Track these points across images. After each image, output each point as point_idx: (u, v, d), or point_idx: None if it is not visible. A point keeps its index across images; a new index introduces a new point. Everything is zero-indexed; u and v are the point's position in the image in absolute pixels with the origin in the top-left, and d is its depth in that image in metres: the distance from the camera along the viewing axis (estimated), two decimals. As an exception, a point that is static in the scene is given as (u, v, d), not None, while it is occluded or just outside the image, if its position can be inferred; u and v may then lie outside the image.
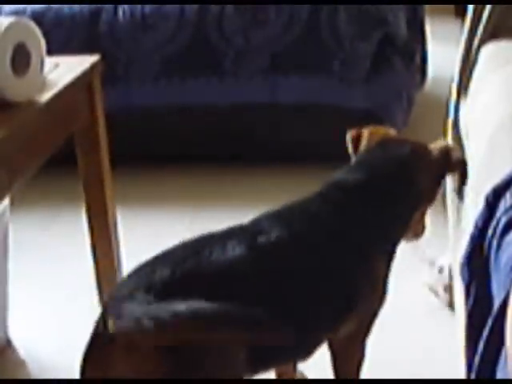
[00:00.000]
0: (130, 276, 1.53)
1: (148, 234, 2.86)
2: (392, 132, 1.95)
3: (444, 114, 2.37)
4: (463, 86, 2.22)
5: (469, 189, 1.84)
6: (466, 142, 2.07)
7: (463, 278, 1.52)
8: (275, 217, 1.67)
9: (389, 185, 1.78)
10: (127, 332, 1.38)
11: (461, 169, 1.88)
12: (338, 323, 1.69)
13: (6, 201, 2.21)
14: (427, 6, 3.96)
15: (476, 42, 2.24)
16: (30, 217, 3.01)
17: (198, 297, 1.42)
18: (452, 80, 2.32)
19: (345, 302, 1.68)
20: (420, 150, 1.83)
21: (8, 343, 2.32)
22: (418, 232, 1.91)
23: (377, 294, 1.75)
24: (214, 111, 3.21)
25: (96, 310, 2.40)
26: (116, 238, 2.32)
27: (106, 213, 2.25)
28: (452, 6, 5.16)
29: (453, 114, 2.26)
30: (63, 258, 2.77)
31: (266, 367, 1.64)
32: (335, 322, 1.69)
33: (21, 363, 2.28)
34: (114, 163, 2.30)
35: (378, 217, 1.74)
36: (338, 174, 1.81)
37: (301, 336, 1.60)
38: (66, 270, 2.69)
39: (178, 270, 1.48)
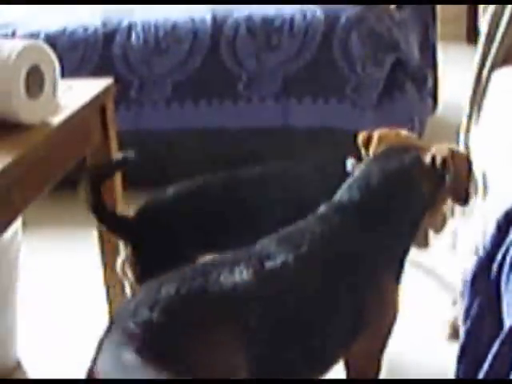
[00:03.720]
0: (137, 293, 1.54)
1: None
2: (404, 134, 1.91)
3: (455, 139, 2.37)
4: (475, 112, 2.23)
5: (480, 209, 1.84)
6: (476, 165, 2.07)
7: (465, 298, 1.52)
8: (281, 241, 1.66)
9: (389, 200, 1.75)
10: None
11: (466, 170, 1.80)
12: (348, 342, 1.68)
13: (19, 222, 2.22)
14: (439, 31, 3.98)
15: (487, 67, 2.25)
16: (42, 238, 3.02)
17: (200, 318, 1.44)
18: (463, 105, 2.32)
19: (355, 321, 1.67)
20: (422, 155, 1.77)
21: (18, 364, 2.31)
22: (435, 230, 1.90)
23: (388, 310, 1.73)
24: (227, 135, 3.22)
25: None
26: (127, 259, 2.32)
27: (117, 235, 2.26)
28: (464, 32, 5.19)
29: (463, 138, 2.26)
30: (74, 279, 2.77)
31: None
32: (346, 342, 1.68)
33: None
34: (126, 185, 2.31)
35: (381, 234, 1.72)
36: (337, 195, 1.79)
37: (311, 358, 1.60)
38: (77, 291, 2.69)
39: (183, 290, 1.48)
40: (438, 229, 1.88)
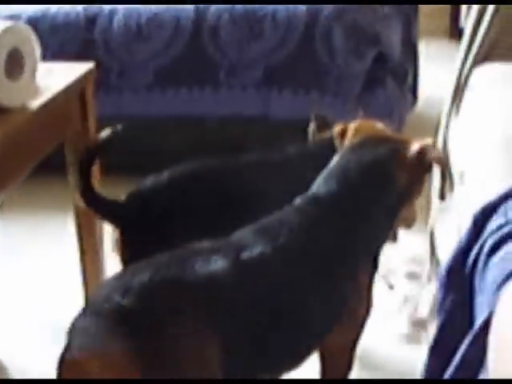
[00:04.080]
0: (111, 280, 1.53)
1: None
2: (380, 126, 1.92)
3: (434, 134, 2.38)
4: (455, 108, 2.24)
5: (457, 204, 1.85)
6: (454, 161, 2.08)
7: (439, 292, 1.53)
8: (258, 232, 1.66)
9: (364, 191, 1.74)
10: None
11: (441, 168, 1.83)
12: (323, 334, 1.69)
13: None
14: (422, 26, 3.99)
15: (469, 63, 2.26)
16: (19, 222, 3.00)
17: (172, 305, 1.44)
18: (443, 100, 2.33)
19: (330, 312, 1.68)
20: (399, 147, 1.77)
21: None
22: (405, 225, 1.88)
23: (363, 302, 1.74)
24: (207, 122, 3.21)
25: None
26: (102, 244, 2.32)
27: (93, 219, 2.25)
28: (447, 28, 5.21)
29: (442, 134, 2.27)
30: (51, 264, 2.76)
31: (252, 374, 1.61)
32: (321, 333, 1.69)
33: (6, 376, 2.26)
34: (103, 171, 2.30)
35: (356, 226, 1.72)
36: (314, 186, 1.78)
37: (285, 349, 1.61)
38: (53, 276, 2.68)
39: (157, 277, 1.48)
40: (409, 224, 1.89)
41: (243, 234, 1.66)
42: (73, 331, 1.44)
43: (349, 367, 1.79)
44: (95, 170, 2.26)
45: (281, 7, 3.18)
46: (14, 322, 2.47)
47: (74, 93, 2.11)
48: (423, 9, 4.06)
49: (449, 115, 2.26)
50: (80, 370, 1.39)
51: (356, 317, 1.73)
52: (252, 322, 1.55)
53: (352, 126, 1.91)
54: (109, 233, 2.03)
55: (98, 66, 2.25)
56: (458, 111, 2.22)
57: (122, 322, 1.39)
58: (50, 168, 2.39)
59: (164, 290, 1.46)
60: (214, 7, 3.19)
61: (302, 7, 3.17)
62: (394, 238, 1.92)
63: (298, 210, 1.73)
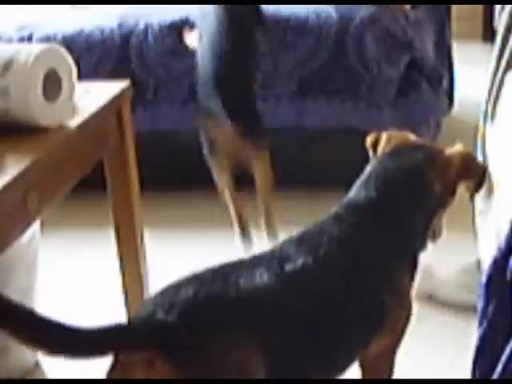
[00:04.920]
0: (155, 295, 1.53)
1: (176, 256, 2.87)
2: (412, 137, 1.92)
3: (471, 138, 2.37)
4: (490, 112, 2.22)
5: (494, 210, 1.84)
6: (492, 166, 2.07)
7: (481, 300, 1.52)
8: (299, 242, 1.67)
9: (402, 197, 1.75)
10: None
11: (480, 176, 1.84)
12: (367, 341, 1.69)
13: (37, 224, 2.25)
14: (455, 29, 3.98)
15: (502, 67, 2.24)
16: (60, 240, 3.04)
17: (219, 321, 1.44)
18: (480, 104, 2.32)
19: (373, 320, 1.68)
20: (435, 156, 1.80)
21: (37, 365, 2.34)
22: (435, 236, 1.89)
23: (403, 308, 1.74)
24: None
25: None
26: (144, 260, 2.33)
27: (134, 235, 2.27)
28: (480, 31, 5.17)
29: (480, 144, 2.25)
30: (92, 281, 2.79)
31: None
32: (365, 341, 1.69)
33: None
34: (142, 186, 2.33)
35: (396, 232, 1.73)
36: (352, 193, 1.80)
37: (330, 359, 1.62)
38: (94, 292, 2.71)
39: (202, 292, 1.47)
40: (437, 235, 1.90)
41: (285, 244, 1.66)
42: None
43: (389, 374, 1.80)
44: (134, 184, 2.28)
45: (312, 16, 3.18)
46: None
47: (111, 111, 2.14)
48: (455, 11, 4.04)
49: (485, 121, 2.24)
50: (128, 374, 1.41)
51: (397, 325, 1.73)
52: (294, 335, 1.55)
53: (384, 136, 1.92)
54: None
55: (134, 82, 2.27)
56: (493, 116, 2.20)
57: (165, 339, 1.40)
58: (89, 185, 2.42)
59: (208, 306, 1.46)
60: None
61: (333, 16, 3.18)
62: (439, 235, 1.92)
63: (337, 217, 1.74)
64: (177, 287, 1.49)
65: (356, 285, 1.65)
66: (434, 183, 1.77)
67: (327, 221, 1.73)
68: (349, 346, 1.66)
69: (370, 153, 1.94)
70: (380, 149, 1.90)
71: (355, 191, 1.79)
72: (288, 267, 1.58)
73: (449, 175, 1.78)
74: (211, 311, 1.46)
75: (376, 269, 1.69)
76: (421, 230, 1.79)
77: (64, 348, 1.39)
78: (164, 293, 1.50)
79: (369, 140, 1.95)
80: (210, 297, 1.47)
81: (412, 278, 1.77)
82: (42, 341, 1.37)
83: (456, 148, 1.82)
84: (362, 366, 1.79)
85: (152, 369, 1.39)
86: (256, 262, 1.60)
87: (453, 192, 1.81)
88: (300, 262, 1.60)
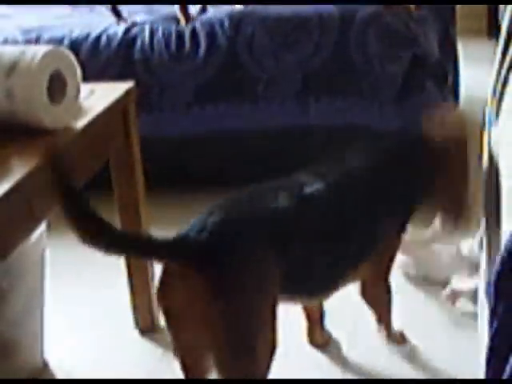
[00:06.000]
0: (193, 221, 1.73)
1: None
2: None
3: (476, 134, 2.37)
4: (494, 110, 2.22)
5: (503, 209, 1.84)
6: (498, 164, 2.07)
7: (489, 300, 1.52)
8: (316, 174, 1.94)
9: (413, 157, 2.06)
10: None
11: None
12: (356, 263, 1.98)
13: (43, 226, 2.26)
14: (459, 26, 3.97)
15: (506, 65, 2.24)
16: (67, 241, 3.04)
17: (244, 239, 1.67)
18: (485, 101, 2.31)
19: (364, 246, 1.97)
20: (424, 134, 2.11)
21: (45, 366, 2.35)
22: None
23: (391, 244, 2.08)
24: (247, 136, 3.23)
25: (132, 332, 2.44)
26: (152, 263, 2.34)
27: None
28: (484, 27, 5.17)
29: (487, 137, 2.24)
30: (99, 281, 2.80)
31: (293, 295, 1.91)
32: (355, 262, 1.97)
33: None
34: (148, 188, 2.33)
35: (405, 178, 2.02)
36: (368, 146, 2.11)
37: (329, 270, 1.90)
38: (101, 292, 2.72)
39: (232, 214, 1.72)
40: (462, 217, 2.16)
41: (302, 175, 1.94)
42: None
43: (388, 300, 2.17)
44: (140, 185, 2.29)
45: (313, 14, 3.19)
46: (64, 334, 2.52)
47: (117, 111, 2.15)
48: (460, 8, 4.03)
49: (489, 119, 2.23)
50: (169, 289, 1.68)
51: (388, 249, 2.07)
52: (308, 247, 1.81)
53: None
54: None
55: (138, 85, 2.28)
56: (497, 115, 2.19)
57: (196, 254, 1.63)
58: (95, 185, 2.42)
59: (235, 226, 1.69)
60: (247, 20, 3.21)
61: (335, 13, 3.18)
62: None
63: (353, 156, 2.06)
64: (209, 212, 1.72)
65: (359, 212, 1.94)
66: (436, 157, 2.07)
67: (347, 157, 2.05)
68: (347, 259, 1.95)
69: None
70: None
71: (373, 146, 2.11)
72: (305, 191, 1.85)
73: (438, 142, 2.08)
74: (237, 231, 1.69)
75: (378, 206, 1.97)
76: (423, 186, 2.08)
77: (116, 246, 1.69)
78: (198, 218, 1.72)
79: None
80: (236, 218, 1.72)
81: (403, 225, 2.08)
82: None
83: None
84: (365, 300, 2.16)
85: (186, 279, 1.62)
86: (279, 187, 1.86)
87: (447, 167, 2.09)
88: (315, 188, 1.87)
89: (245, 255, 1.66)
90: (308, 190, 1.86)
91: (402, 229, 2.09)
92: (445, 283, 2.52)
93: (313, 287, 1.93)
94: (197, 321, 1.64)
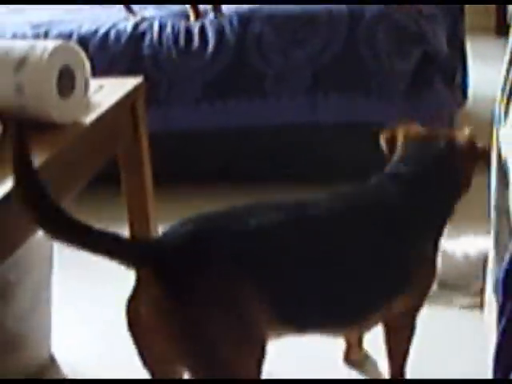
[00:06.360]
0: (170, 226, 1.64)
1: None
2: (422, 129, 2.01)
3: (485, 133, 2.36)
4: (503, 109, 2.21)
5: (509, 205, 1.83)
6: (508, 162, 2.06)
7: (498, 296, 1.52)
8: (332, 197, 1.79)
9: (435, 176, 1.90)
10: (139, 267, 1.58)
11: (485, 158, 2.01)
12: (390, 301, 1.80)
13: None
14: (467, 24, 3.96)
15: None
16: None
17: (213, 251, 1.54)
18: (494, 99, 2.30)
19: (398, 281, 1.79)
20: (453, 143, 1.95)
21: (52, 360, 2.35)
22: None
23: (427, 272, 1.88)
24: (256, 132, 3.24)
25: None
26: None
27: (148, 231, 2.29)
28: (493, 24, 5.15)
29: (496, 137, 2.23)
30: (107, 276, 2.80)
31: (303, 327, 1.71)
32: (387, 300, 1.79)
33: (64, 379, 2.31)
34: (156, 183, 2.33)
35: (429, 205, 1.87)
36: (389, 169, 1.92)
37: (351, 309, 1.73)
38: (109, 287, 2.72)
39: (207, 225, 1.59)
40: None
41: (316, 197, 1.78)
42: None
43: (411, 333, 1.92)
44: (148, 180, 2.29)
45: (322, 11, 3.19)
46: (71, 328, 2.53)
47: (125, 106, 2.15)
48: (468, 5, 4.02)
49: (499, 118, 2.22)
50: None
51: (420, 284, 1.85)
52: (300, 281, 1.62)
53: (401, 131, 1.96)
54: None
55: (147, 81, 2.28)
56: (506, 112, 2.18)
57: (159, 260, 1.53)
58: (103, 180, 2.43)
59: (206, 238, 1.56)
60: (255, 17, 3.21)
61: (344, 9, 3.18)
62: None
63: (377, 186, 1.88)
64: (187, 220, 1.62)
65: (384, 239, 1.76)
66: (458, 167, 1.93)
67: (367, 188, 1.87)
68: (370, 299, 1.76)
69: (385, 148, 1.97)
70: (399, 144, 1.97)
71: (393, 168, 1.92)
72: (310, 213, 1.68)
73: (465, 158, 1.94)
74: (208, 242, 1.55)
75: (405, 235, 1.81)
76: (448, 208, 1.93)
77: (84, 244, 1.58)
78: (175, 224, 1.62)
79: (384, 136, 1.99)
80: (210, 229, 1.58)
81: (436, 246, 1.89)
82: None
83: (463, 131, 1.99)
84: (386, 326, 1.91)
85: (149, 286, 1.54)
86: (274, 206, 1.69)
87: (471, 172, 1.97)
88: (321, 209, 1.70)
89: (211, 268, 1.53)
90: (312, 211, 1.70)
91: (434, 252, 1.91)
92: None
93: (329, 325, 1.77)
94: (158, 332, 1.54)
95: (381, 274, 1.75)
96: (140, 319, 1.56)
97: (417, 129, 2.00)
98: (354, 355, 2.18)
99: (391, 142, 1.99)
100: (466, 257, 2.56)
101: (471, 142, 1.96)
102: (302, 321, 1.69)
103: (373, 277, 1.74)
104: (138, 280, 1.59)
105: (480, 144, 2.00)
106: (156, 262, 1.54)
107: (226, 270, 1.54)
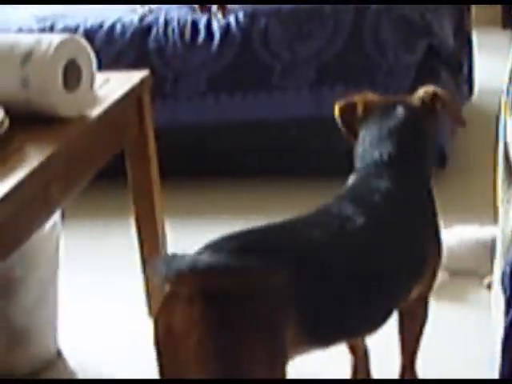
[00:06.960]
0: (212, 240, 1.60)
1: (196, 245, 2.87)
2: (376, 96, 2.01)
3: (491, 126, 2.35)
4: (509, 103, 2.20)
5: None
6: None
7: (505, 289, 1.52)
8: (356, 202, 1.74)
9: (413, 146, 1.87)
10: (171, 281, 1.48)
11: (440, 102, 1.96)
12: (411, 289, 1.79)
13: (58, 214, 2.26)
14: (474, 16, 3.95)
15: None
16: (81, 229, 3.06)
17: (260, 273, 1.47)
18: (499, 91, 2.30)
19: (418, 267, 1.79)
20: (416, 106, 1.95)
21: (58, 354, 2.35)
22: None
23: (439, 259, 1.87)
24: (262, 126, 3.23)
25: (145, 321, 2.44)
26: (165, 249, 2.34)
27: (155, 224, 2.29)
28: (499, 17, 5.13)
29: (502, 131, 2.23)
30: (113, 270, 2.81)
31: (330, 341, 1.68)
32: (409, 289, 1.78)
33: (71, 374, 2.31)
34: (162, 176, 2.33)
35: (422, 178, 1.86)
36: (370, 153, 1.86)
37: (383, 313, 1.73)
38: (116, 281, 2.73)
39: (251, 244, 1.53)
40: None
41: (341, 204, 1.74)
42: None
43: (425, 317, 1.92)
44: (154, 174, 2.29)
45: (327, 5, 3.18)
46: (77, 322, 2.53)
47: (131, 100, 2.15)
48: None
49: (504, 113, 2.22)
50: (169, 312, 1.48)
51: (433, 271, 1.85)
52: (344, 285, 1.61)
53: (360, 100, 1.96)
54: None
55: (153, 74, 2.28)
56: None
57: (205, 280, 1.45)
58: (110, 174, 2.43)
59: (253, 257, 1.49)
60: (261, 11, 3.21)
61: (349, 2, 3.17)
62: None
63: (375, 175, 1.82)
64: (230, 237, 1.57)
65: (406, 234, 1.76)
66: (426, 124, 1.91)
67: (368, 178, 1.82)
68: (396, 292, 1.76)
69: (340, 119, 1.99)
70: (359, 114, 1.95)
71: (374, 152, 1.85)
72: (348, 226, 1.66)
73: (433, 116, 1.93)
74: (255, 262, 1.47)
75: (418, 216, 1.81)
76: (431, 169, 1.92)
77: None
78: (217, 240, 1.57)
79: (339, 107, 2.00)
80: (257, 248, 1.53)
81: (436, 220, 1.87)
82: None
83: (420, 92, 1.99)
84: (401, 313, 1.90)
85: (190, 306, 1.44)
86: (317, 221, 1.67)
87: (433, 130, 1.95)
88: (360, 221, 1.67)
89: (259, 293, 1.46)
90: (352, 224, 1.67)
91: (438, 227, 1.89)
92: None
93: (355, 326, 1.72)
94: (189, 350, 1.46)
95: (411, 268, 1.76)
96: (172, 335, 1.47)
97: (372, 96, 1.99)
98: (362, 374, 2.12)
99: (350, 112, 1.97)
100: (475, 243, 2.59)
101: (423, 98, 1.96)
102: (332, 338, 1.68)
103: (406, 274, 1.75)
104: (174, 295, 1.49)
105: (430, 91, 1.99)
106: (202, 280, 1.46)
107: (272, 298, 1.48)
